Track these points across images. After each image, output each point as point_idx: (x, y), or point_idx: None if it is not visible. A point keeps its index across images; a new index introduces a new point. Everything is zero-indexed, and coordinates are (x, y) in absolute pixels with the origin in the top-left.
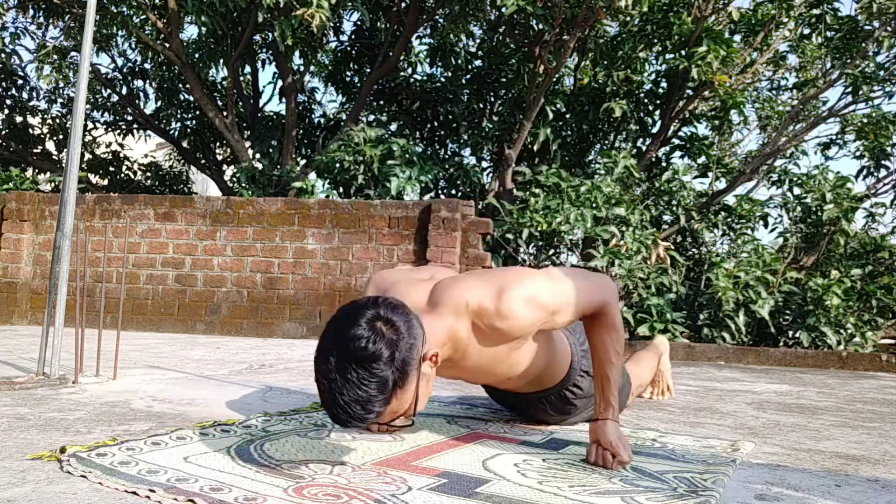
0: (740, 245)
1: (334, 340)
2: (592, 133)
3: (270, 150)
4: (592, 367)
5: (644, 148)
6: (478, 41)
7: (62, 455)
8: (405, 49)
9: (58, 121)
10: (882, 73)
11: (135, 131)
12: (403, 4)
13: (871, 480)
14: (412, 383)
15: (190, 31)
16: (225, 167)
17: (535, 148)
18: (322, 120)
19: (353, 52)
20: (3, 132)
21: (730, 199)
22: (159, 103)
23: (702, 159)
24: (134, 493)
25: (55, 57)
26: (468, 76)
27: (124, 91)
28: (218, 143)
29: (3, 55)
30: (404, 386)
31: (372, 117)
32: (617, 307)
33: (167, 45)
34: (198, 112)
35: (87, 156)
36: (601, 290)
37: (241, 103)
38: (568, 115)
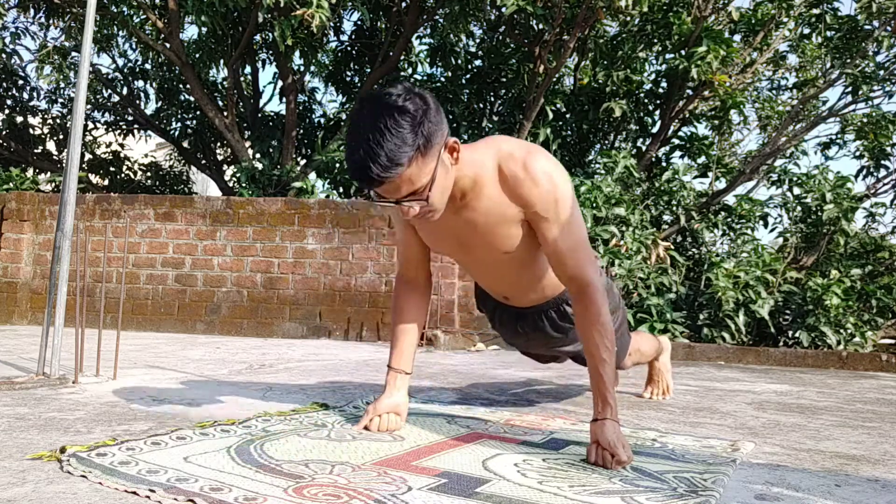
0: (740, 245)
1: (369, 98)
2: (592, 133)
3: (270, 150)
4: (588, 368)
5: (644, 148)
6: (478, 41)
7: (62, 455)
8: (405, 49)
9: (58, 121)
10: (882, 72)
11: (135, 131)
12: (404, 4)
13: (871, 480)
14: (432, 160)
15: (190, 31)
16: (225, 167)
17: None
18: (322, 120)
19: (354, 51)
20: (4, 132)
21: (730, 199)
22: (159, 103)
23: (702, 159)
24: (134, 493)
25: (56, 57)
26: (468, 76)
27: (124, 91)
28: (218, 143)
29: (3, 55)
30: (426, 156)
31: None
32: (602, 297)
33: (167, 45)
34: (198, 112)
35: (88, 156)
36: (593, 263)
37: (241, 103)
38: (568, 115)
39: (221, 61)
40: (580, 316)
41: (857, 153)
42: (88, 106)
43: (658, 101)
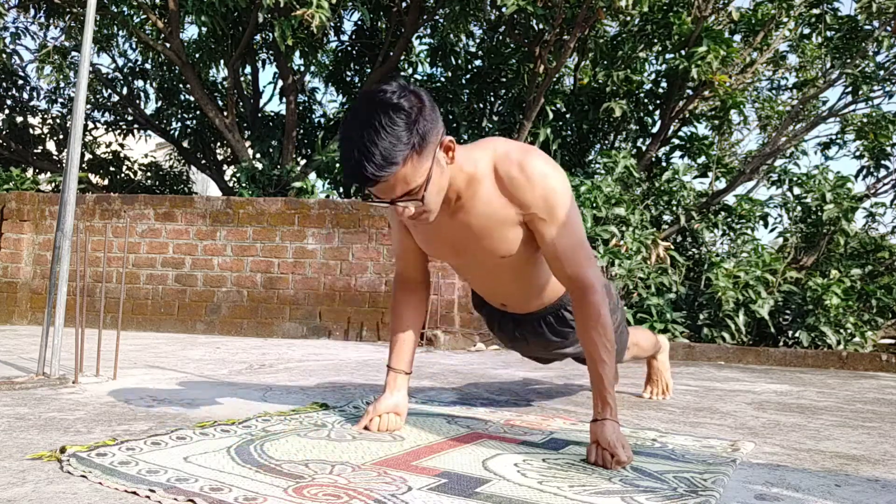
0: (740, 245)
1: (364, 97)
2: (592, 133)
3: (270, 150)
4: (587, 368)
5: (644, 148)
6: (478, 41)
7: (62, 455)
8: (405, 49)
9: (58, 121)
10: (882, 72)
11: (135, 131)
12: (404, 4)
13: (871, 480)
14: (428, 159)
15: (190, 31)
16: (225, 167)
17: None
18: (322, 120)
19: (354, 52)
20: (4, 132)
21: (730, 199)
22: (160, 103)
23: (702, 159)
24: (134, 493)
25: (56, 57)
26: (468, 76)
27: (124, 91)
28: (218, 143)
29: (3, 55)
30: (421, 155)
31: None
32: (603, 299)
33: (167, 45)
34: (198, 112)
35: (88, 156)
36: (592, 263)
37: (241, 103)
38: (568, 115)
39: (221, 61)
40: (580, 317)
41: (857, 153)
42: (88, 106)
43: (658, 101)
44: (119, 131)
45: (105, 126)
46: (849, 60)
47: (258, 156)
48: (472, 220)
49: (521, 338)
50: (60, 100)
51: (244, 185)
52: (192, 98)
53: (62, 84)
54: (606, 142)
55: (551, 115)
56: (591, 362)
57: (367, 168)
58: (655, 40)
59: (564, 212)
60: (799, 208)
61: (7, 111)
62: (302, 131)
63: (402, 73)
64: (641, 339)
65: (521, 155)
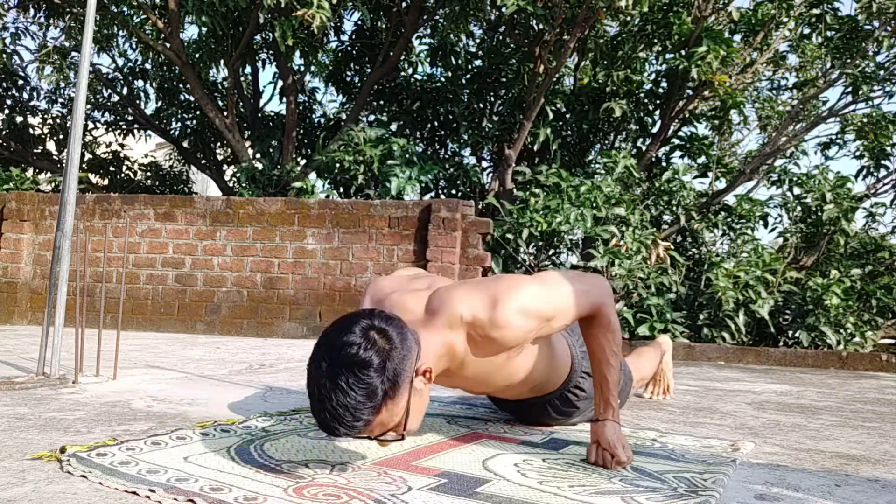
0: (740, 245)
1: (327, 348)
2: (592, 133)
3: (270, 150)
4: (591, 369)
5: (644, 148)
6: (478, 41)
7: (62, 455)
8: (405, 49)
9: (58, 121)
10: (882, 72)
11: (135, 131)
12: (404, 4)
13: (871, 480)
14: (403, 397)
15: (190, 31)
16: (225, 167)
17: (536, 148)
18: (322, 120)
19: (354, 52)
20: (4, 132)
21: (730, 199)
22: (160, 103)
23: (702, 159)
24: (134, 492)
25: (56, 57)
26: (468, 76)
27: (125, 91)
28: (218, 143)
29: (3, 55)
30: (395, 398)
31: (372, 117)
32: (612, 307)
33: (167, 45)
34: (198, 112)
35: (88, 156)
36: (596, 291)
37: (241, 103)
38: (568, 115)
39: (221, 61)
40: (589, 323)
41: (857, 153)
42: (88, 106)
43: (658, 101)
44: (119, 131)
45: (105, 126)
46: (849, 60)
47: (258, 156)
48: (470, 376)
49: (521, 413)
50: (60, 100)
51: (244, 185)
52: (192, 98)
53: (62, 84)
54: (606, 142)
55: (551, 115)
56: (597, 364)
57: (340, 430)
58: (655, 40)
59: (554, 310)
60: (799, 208)
61: (7, 111)
62: (302, 131)
63: (403, 73)
64: (646, 370)
65: (490, 313)
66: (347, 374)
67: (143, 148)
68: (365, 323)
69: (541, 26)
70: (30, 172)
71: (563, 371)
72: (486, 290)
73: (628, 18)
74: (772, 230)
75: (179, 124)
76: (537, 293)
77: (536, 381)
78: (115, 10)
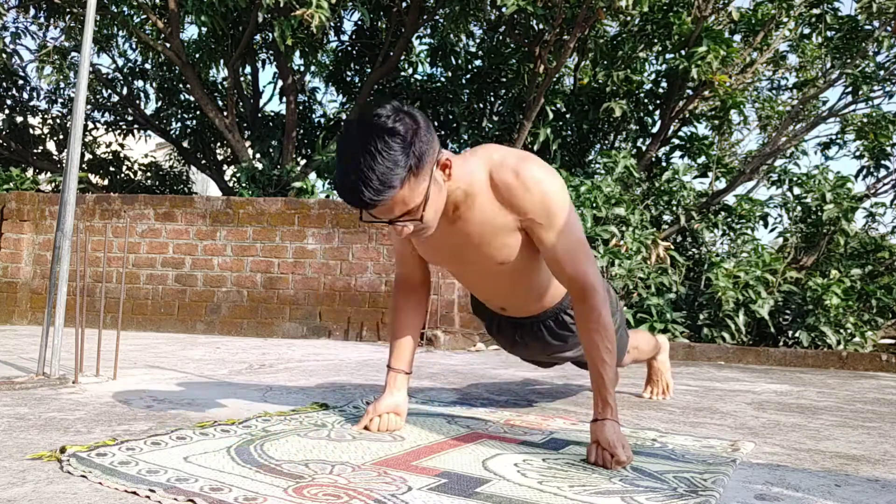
0: (740, 245)
1: (359, 119)
2: (592, 133)
3: (270, 150)
4: (588, 369)
5: (644, 148)
6: (478, 41)
7: (62, 455)
8: (405, 49)
9: (58, 121)
10: (882, 72)
11: (135, 131)
12: (404, 4)
13: (871, 480)
14: (425, 180)
15: (190, 31)
16: (225, 167)
17: (536, 148)
18: (322, 120)
19: (354, 51)
20: (4, 132)
21: (730, 199)
22: (159, 103)
23: (702, 159)
24: (134, 493)
25: (56, 57)
26: (468, 76)
27: (124, 91)
28: (218, 143)
29: (3, 55)
30: (418, 176)
31: None
32: (604, 300)
33: (167, 45)
34: (198, 112)
35: (88, 156)
36: (593, 265)
37: (241, 103)
38: (568, 115)
39: (221, 61)
40: (580, 317)
41: (857, 153)
42: (88, 106)
43: (658, 101)
44: (119, 131)
45: (105, 126)
46: (849, 60)
47: (258, 156)
48: (471, 229)
49: (521, 342)
50: (60, 100)
51: (244, 185)
52: (192, 98)
53: (62, 84)
54: (606, 142)
55: (551, 115)
56: (592, 362)
57: (365, 193)
58: (655, 40)
59: (562, 215)
60: (799, 208)
61: (7, 111)
62: (302, 131)
63: (402, 74)
64: (641, 342)
65: (517, 162)
66: (377, 139)
67: (143, 148)
68: (396, 104)
69: (541, 26)
70: (30, 172)
71: (556, 292)
72: (525, 155)
73: (628, 18)
74: (772, 230)
75: (179, 124)
76: (564, 196)
77: (529, 285)
78: (115, 10)
